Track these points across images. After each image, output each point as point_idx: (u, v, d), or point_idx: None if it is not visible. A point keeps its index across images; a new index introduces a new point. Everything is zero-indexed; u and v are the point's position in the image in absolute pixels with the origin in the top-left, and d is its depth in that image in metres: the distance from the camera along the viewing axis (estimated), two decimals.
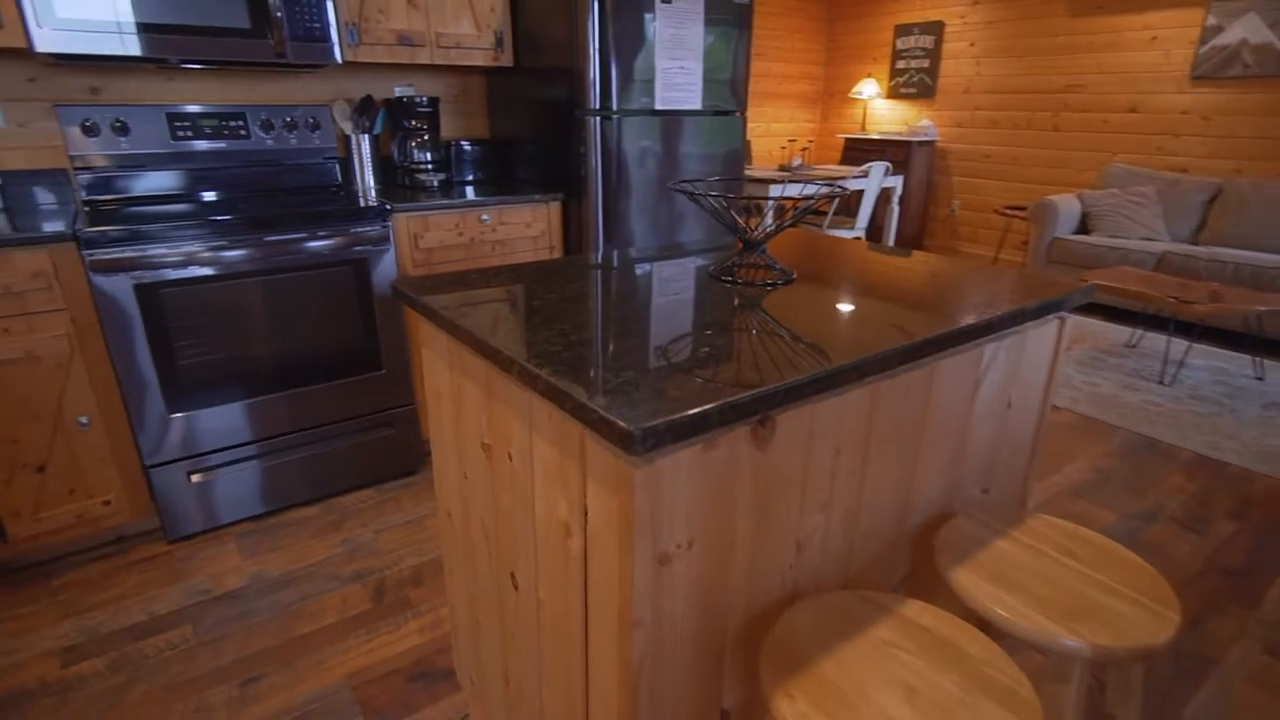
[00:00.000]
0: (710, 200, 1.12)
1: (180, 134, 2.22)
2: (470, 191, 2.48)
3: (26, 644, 1.66)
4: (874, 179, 4.48)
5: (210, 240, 1.88)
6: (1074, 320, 4.29)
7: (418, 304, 1.09)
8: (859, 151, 5.97)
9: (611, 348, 0.88)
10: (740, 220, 1.20)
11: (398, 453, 2.36)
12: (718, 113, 2.66)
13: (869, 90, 6.04)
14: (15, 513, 1.80)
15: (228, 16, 1.97)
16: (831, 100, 6.69)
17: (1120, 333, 4.00)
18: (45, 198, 2.14)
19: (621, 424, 0.66)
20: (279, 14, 2.01)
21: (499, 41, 2.52)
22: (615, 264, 1.35)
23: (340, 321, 2.13)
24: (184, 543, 2.04)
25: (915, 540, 1.15)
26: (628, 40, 2.32)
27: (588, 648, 0.87)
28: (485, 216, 2.36)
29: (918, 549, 1.17)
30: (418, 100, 2.51)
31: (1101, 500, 2.30)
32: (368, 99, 2.47)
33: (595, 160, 2.40)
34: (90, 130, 2.08)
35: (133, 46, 1.86)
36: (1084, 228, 4.59)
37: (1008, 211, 5.11)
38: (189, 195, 2.28)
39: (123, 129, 2.13)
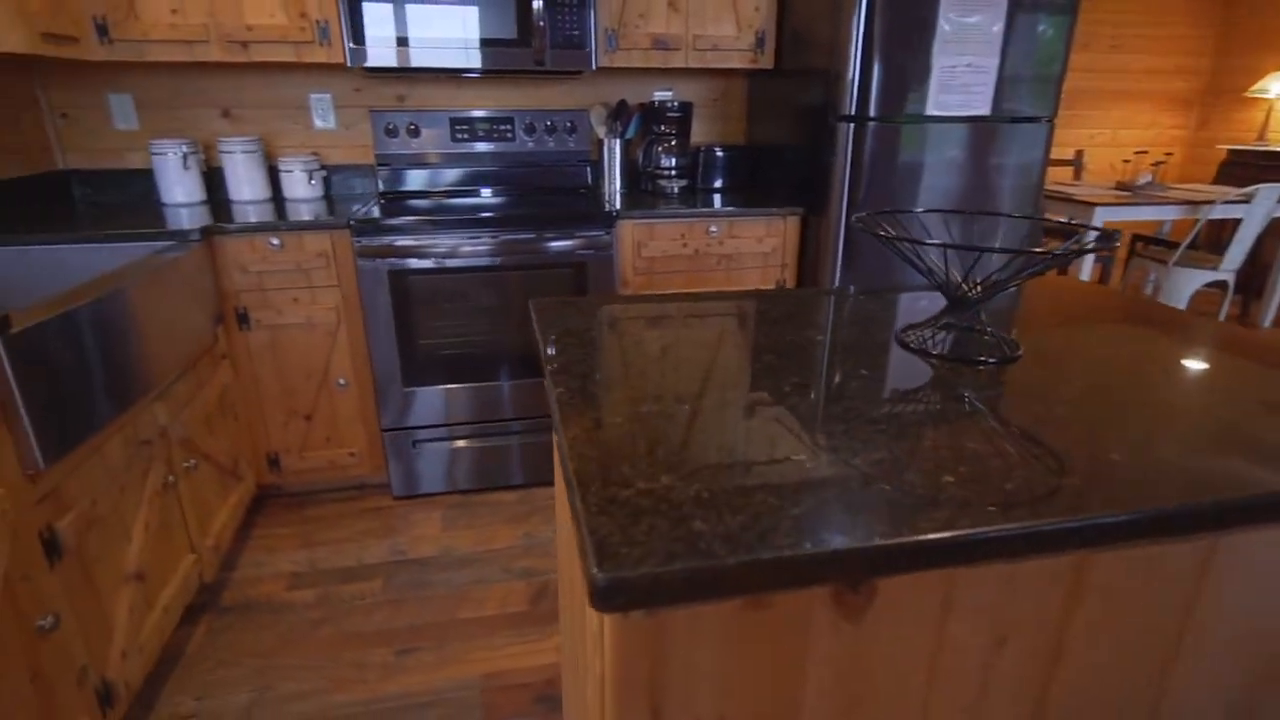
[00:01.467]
0: (892, 240, 0.84)
1: (458, 136, 2.47)
2: (713, 200, 2.37)
3: (271, 560, 2.00)
4: (1260, 205, 3.35)
5: (453, 236, 2.04)
6: None
7: (537, 325, 1.00)
8: (1247, 168, 4.55)
9: (679, 436, 0.68)
10: (947, 267, 0.89)
11: None
12: (1016, 119, 2.16)
13: (1278, 88, 4.56)
14: (287, 449, 2.18)
15: (499, 27, 2.11)
16: (1217, 101, 5.21)
17: None
18: (356, 189, 2.54)
19: (593, 567, 0.48)
20: (542, 23, 2.09)
21: (759, 42, 2.35)
22: (790, 305, 1.12)
23: None
24: (404, 501, 2.28)
25: None
26: (900, 35, 1.98)
27: None
28: (713, 229, 2.23)
29: None
30: (669, 105, 2.46)
31: None
32: (622, 104, 2.49)
33: (843, 172, 2.11)
34: (391, 132, 2.42)
35: (418, 59, 2.09)
36: None
37: None
38: (459, 192, 2.53)
39: (415, 131, 2.43)
